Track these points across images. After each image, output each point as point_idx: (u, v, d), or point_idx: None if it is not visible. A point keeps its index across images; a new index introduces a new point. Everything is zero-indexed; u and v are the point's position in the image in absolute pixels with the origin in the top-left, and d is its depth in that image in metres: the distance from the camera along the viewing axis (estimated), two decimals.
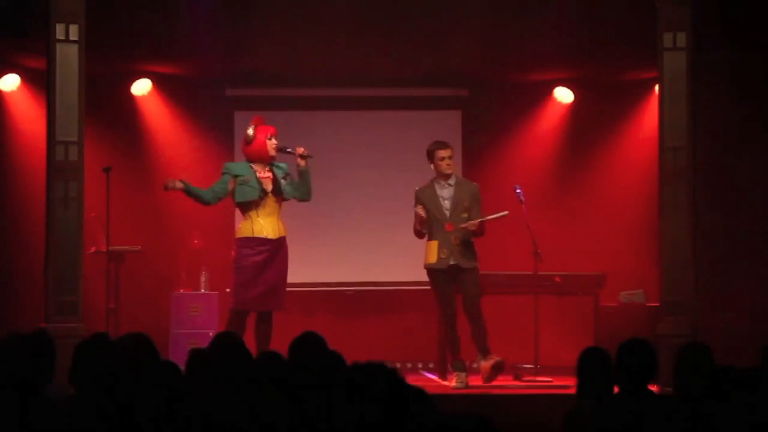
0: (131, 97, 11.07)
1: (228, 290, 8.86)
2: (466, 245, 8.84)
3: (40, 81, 9.53)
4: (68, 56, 8.44)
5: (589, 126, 11.21)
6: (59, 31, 8.43)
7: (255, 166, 8.67)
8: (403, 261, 10.19)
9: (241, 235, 8.66)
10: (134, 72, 10.98)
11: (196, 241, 10.69)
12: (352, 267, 11.05)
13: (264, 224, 8.62)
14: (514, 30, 9.83)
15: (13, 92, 10.72)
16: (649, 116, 10.59)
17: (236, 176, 8.66)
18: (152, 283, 10.78)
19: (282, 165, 8.76)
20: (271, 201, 8.66)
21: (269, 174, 8.67)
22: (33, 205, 9.91)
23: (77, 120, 8.46)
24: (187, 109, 11.14)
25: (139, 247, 10.37)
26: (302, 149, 8.68)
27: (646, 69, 10.20)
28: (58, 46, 8.44)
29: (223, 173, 8.74)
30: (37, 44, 9.03)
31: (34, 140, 10.08)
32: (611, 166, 11.24)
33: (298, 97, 11.16)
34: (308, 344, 4.90)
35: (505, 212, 8.89)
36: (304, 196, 8.76)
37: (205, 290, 10.46)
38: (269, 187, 8.64)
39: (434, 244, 8.83)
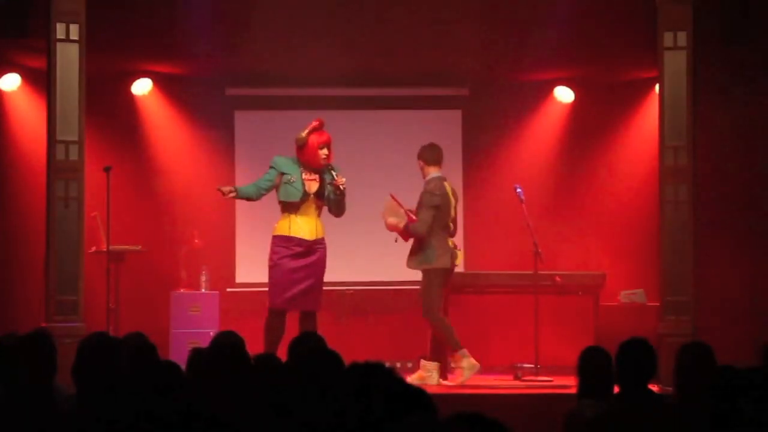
0: (131, 97, 11.06)
1: (267, 289, 8.72)
2: None
3: (40, 81, 9.53)
4: (68, 56, 8.45)
5: (589, 126, 11.19)
6: (59, 30, 8.44)
7: (303, 167, 8.57)
8: (402, 261, 10.13)
9: (278, 233, 8.59)
10: (134, 72, 10.96)
11: (196, 241, 10.68)
12: (352, 267, 11.03)
13: (302, 224, 8.55)
14: (514, 29, 9.83)
15: (13, 92, 10.70)
16: (649, 116, 10.57)
17: (283, 173, 8.59)
18: (152, 282, 10.76)
19: (334, 168, 8.62)
20: (312, 203, 8.58)
21: (316, 176, 8.56)
22: (33, 205, 9.90)
23: (77, 120, 8.46)
24: (187, 108, 11.12)
25: (139, 247, 10.36)
26: (342, 182, 8.53)
27: (646, 69, 10.19)
28: (59, 45, 8.44)
29: (271, 167, 8.62)
30: (37, 44, 9.03)
31: (34, 140, 10.07)
32: (611, 166, 11.22)
33: (298, 97, 11.14)
34: (308, 344, 4.90)
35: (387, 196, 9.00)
36: (337, 213, 8.71)
37: (205, 290, 10.45)
38: (313, 189, 8.55)
39: (447, 245, 8.98)
